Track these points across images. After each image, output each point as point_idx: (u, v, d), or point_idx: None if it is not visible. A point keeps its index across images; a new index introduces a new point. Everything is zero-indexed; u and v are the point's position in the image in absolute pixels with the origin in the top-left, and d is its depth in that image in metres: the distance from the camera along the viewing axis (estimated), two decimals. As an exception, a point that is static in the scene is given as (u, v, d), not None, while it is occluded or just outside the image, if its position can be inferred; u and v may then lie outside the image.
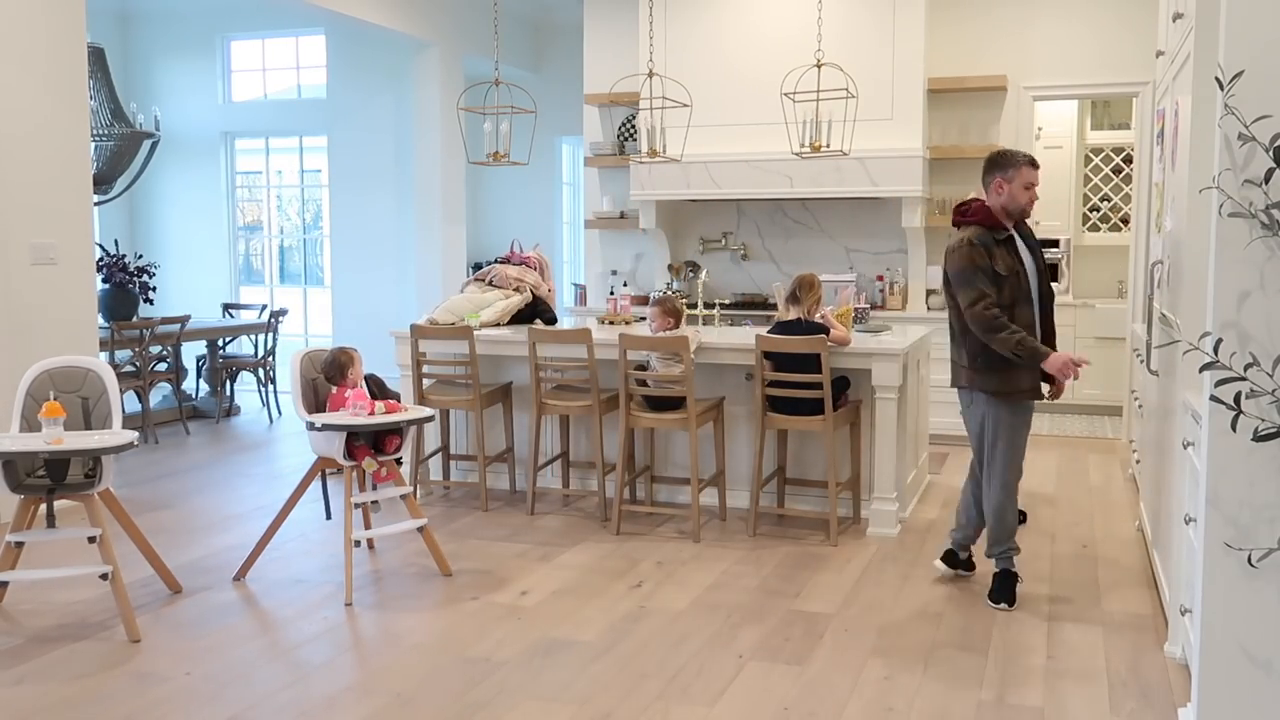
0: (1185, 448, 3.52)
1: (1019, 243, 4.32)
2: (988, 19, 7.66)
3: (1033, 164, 4.35)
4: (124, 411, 4.51)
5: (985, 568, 4.54)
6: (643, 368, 5.43)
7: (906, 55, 7.20)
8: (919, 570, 4.78)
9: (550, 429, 6.20)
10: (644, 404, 5.40)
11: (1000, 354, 4.15)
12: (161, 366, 8.22)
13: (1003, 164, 4.31)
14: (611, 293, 8.20)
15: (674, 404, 5.35)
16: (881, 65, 7.18)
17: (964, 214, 4.35)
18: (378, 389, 4.91)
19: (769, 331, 5.31)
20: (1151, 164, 5.55)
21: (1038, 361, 4.14)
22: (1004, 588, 4.35)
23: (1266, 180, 2.59)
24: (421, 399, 5.87)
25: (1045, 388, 4.39)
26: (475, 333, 5.84)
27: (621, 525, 5.41)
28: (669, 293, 7.51)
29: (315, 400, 4.70)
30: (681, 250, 8.32)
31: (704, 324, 6.88)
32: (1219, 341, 2.66)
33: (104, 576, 3.98)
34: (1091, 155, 9.10)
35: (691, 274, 8.02)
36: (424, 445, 6.09)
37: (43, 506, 4.16)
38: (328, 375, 4.69)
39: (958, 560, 4.69)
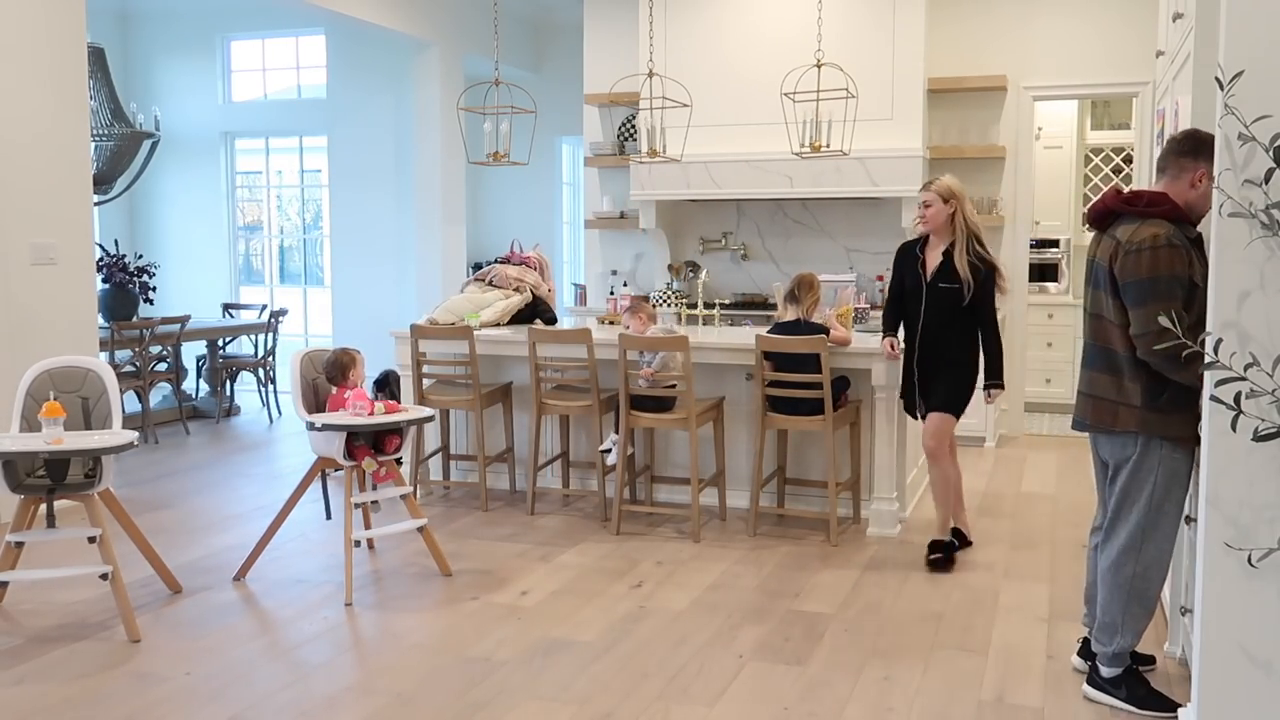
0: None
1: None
2: (988, 19, 7.66)
3: None
4: (124, 411, 4.51)
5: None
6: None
7: (906, 55, 7.19)
8: (919, 570, 4.78)
9: (550, 429, 6.20)
10: (637, 404, 5.40)
11: (1188, 390, 3.15)
12: (161, 366, 8.22)
13: (1209, 150, 3.08)
14: (611, 293, 8.20)
15: (667, 404, 5.35)
16: (881, 65, 7.17)
17: (1141, 202, 3.29)
18: (396, 385, 4.90)
19: (769, 332, 5.31)
20: (1151, 164, 5.54)
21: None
22: (1150, 691, 3.39)
23: (1266, 180, 2.59)
24: (421, 399, 5.87)
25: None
26: (475, 333, 5.84)
27: (621, 525, 5.41)
28: (663, 294, 7.53)
29: (315, 400, 4.70)
30: (681, 250, 8.32)
31: (704, 324, 6.88)
32: (1219, 341, 2.66)
33: (104, 576, 3.98)
34: (1091, 155, 9.10)
35: (691, 274, 8.02)
36: (424, 445, 6.09)
37: (43, 506, 4.16)
38: (329, 376, 4.69)
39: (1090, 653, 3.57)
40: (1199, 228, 3.27)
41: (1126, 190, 3.42)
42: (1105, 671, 3.41)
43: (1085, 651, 3.62)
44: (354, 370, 4.67)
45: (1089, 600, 3.57)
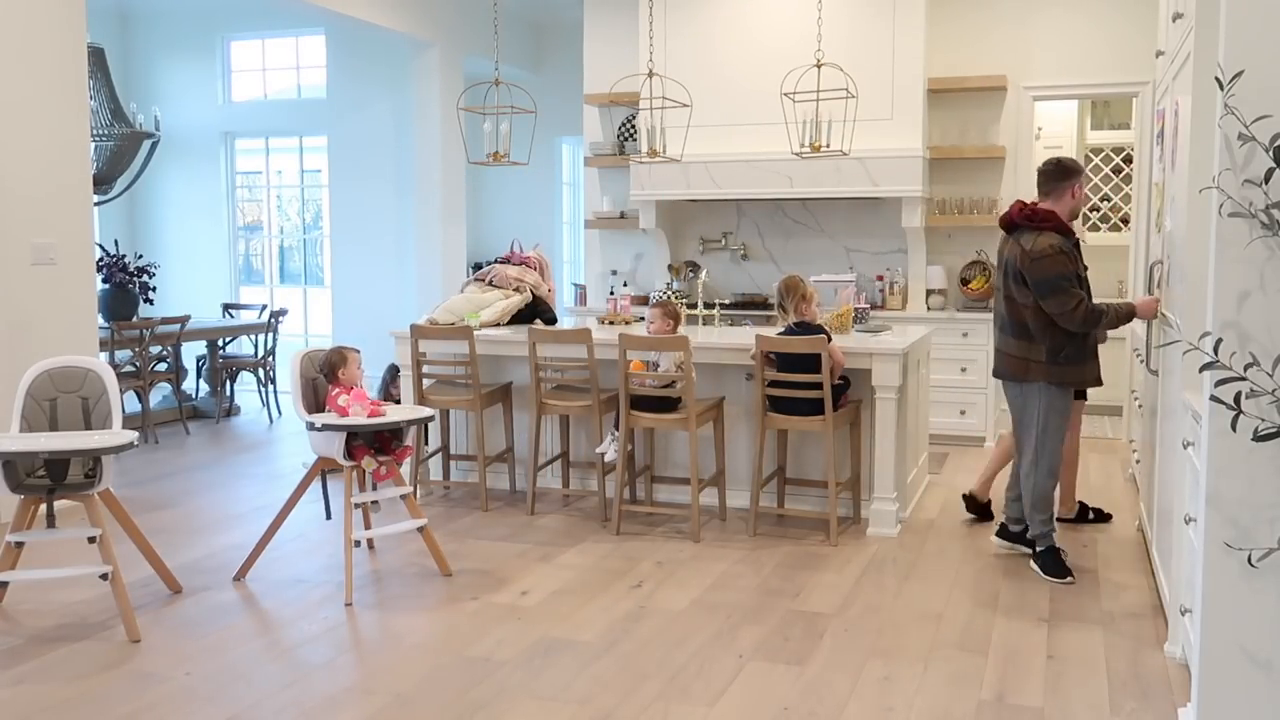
0: (1185, 448, 3.52)
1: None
2: (988, 19, 7.66)
3: None
4: (124, 411, 4.51)
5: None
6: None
7: (906, 55, 7.19)
8: (919, 570, 4.78)
9: (550, 429, 6.20)
10: (637, 404, 5.40)
11: (1078, 348, 4.57)
12: (161, 366, 8.22)
13: (1078, 170, 4.65)
14: (611, 293, 8.19)
15: (667, 405, 5.35)
16: (881, 65, 7.18)
17: (1036, 219, 4.57)
18: (391, 378, 4.90)
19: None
20: (1151, 164, 5.54)
21: (1132, 315, 4.62)
22: (1058, 563, 4.66)
23: (1266, 180, 2.59)
24: (421, 399, 5.87)
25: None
26: (475, 333, 5.84)
27: (621, 525, 5.41)
28: (670, 295, 7.51)
29: (315, 400, 4.69)
30: (681, 250, 8.32)
31: (704, 324, 6.88)
32: (1219, 341, 2.66)
33: (104, 576, 3.98)
34: (1091, 155, 9.10)
35: (691, 274, 8.01)
36: (424, 445, 6.09)
37: (43, 506, 4.16)
38: (323, 375, 4.69)
39: (1012, 535, 4.99)
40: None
41: (1026, 206, 4.65)
42: (1038, 548, 4.73)
43: (1003, 533, 5.04)
44: (344, 370, 4.62)
45: (1011, 500, 4.97)
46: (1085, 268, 4.65)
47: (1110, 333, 4.88)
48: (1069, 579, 4.62)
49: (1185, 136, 4.00)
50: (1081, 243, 4.74)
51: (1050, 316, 4.52)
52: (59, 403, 4.26)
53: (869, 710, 3.37)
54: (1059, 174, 4.62)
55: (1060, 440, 4.71)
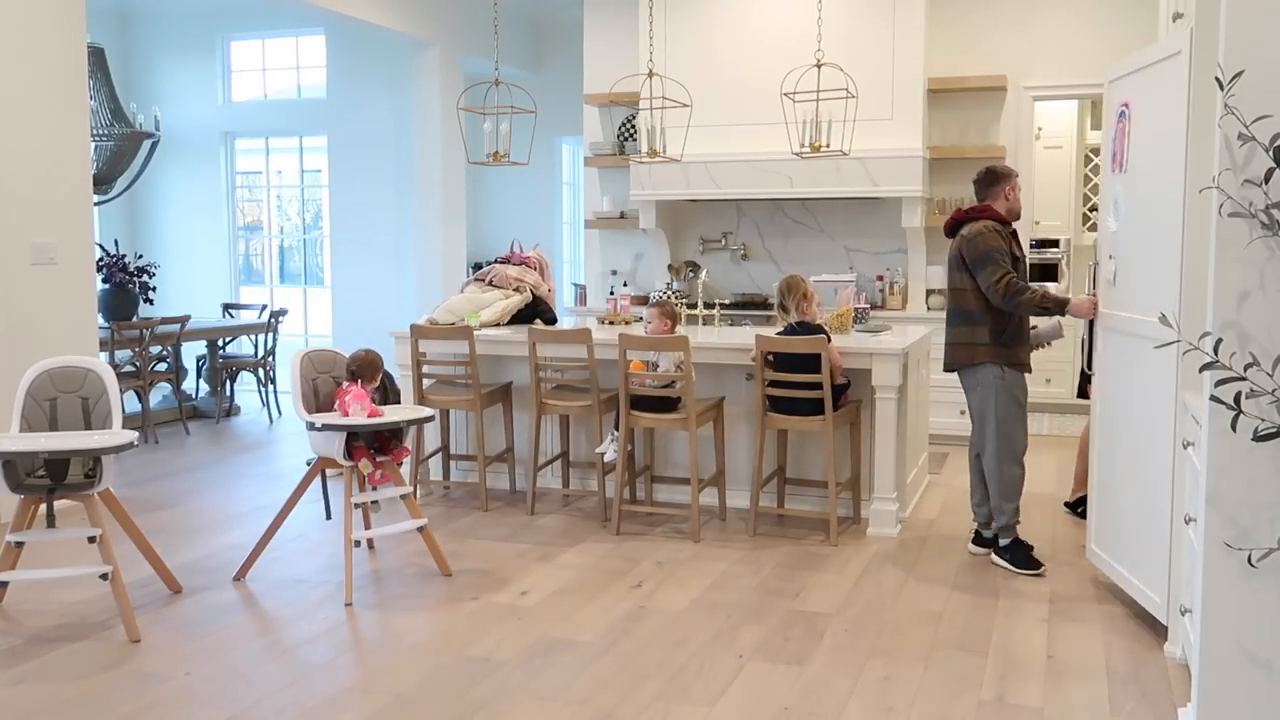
0: (1185, 448, 3.52)
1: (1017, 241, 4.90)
2: (988, 19, 7.66)
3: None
4: (124, 411, 4.51)
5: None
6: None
7: (906, 55, 7.19)
8: (919, 570, 4.78)
9: (550, 429, 6.20)
10: (637, 404, 5.40)
11: (1017, 328, 4.73)
12: (161, 366, 8.22)
13: (1008, 174, 4.90)
14: (611, 293, 8.19)
15: (667, 405, 5.36)
16: (881, 65, 7.17)
17: (975, 213, 4.86)
18: (388, 381, 4.91)
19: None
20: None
21: (1063, 307, 4.68)
22: (1027, 556, 4.73)
23: (1266, 180, 2.59)
24: (421, 399, 5.87)
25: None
26: (475, 333, 5.84)
27: (621, 525, 5.41)
28: (668, 296, 7.51)
29: (315, 400, 4.69)
30: (681, 250, 8.31)
31: (704, 324, 6.88)
32: (1219, 341, 2.66)
33: (104, 576, 3.98)
34: (1091, 155, 9.09)
35: (691, 274, 8.02)
36: (424, 445, 6.09)
37: (43, 506, 4.16)
38: (355, 373, 4.67)
39: (985, 540, 4.98)
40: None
41: (963, 208, 4.93)
42: (1002, 542, 4.79)
43: (978, 540, 4.99)
44: (370, 378, 4.69)
45: (977, 505, 4.96)
46: (1023, 255, 4.88)
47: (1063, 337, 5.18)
48: (1040, 570, 4.67)
49: (1144, 137, 4.02)
50: (1018, 235, 4.94)
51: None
52: (59, 403, 4.26)
53: (869, 710, 3.37)
54: (990, 180, 4.86)
55: (1021, 425, 4.77)
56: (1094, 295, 4.68)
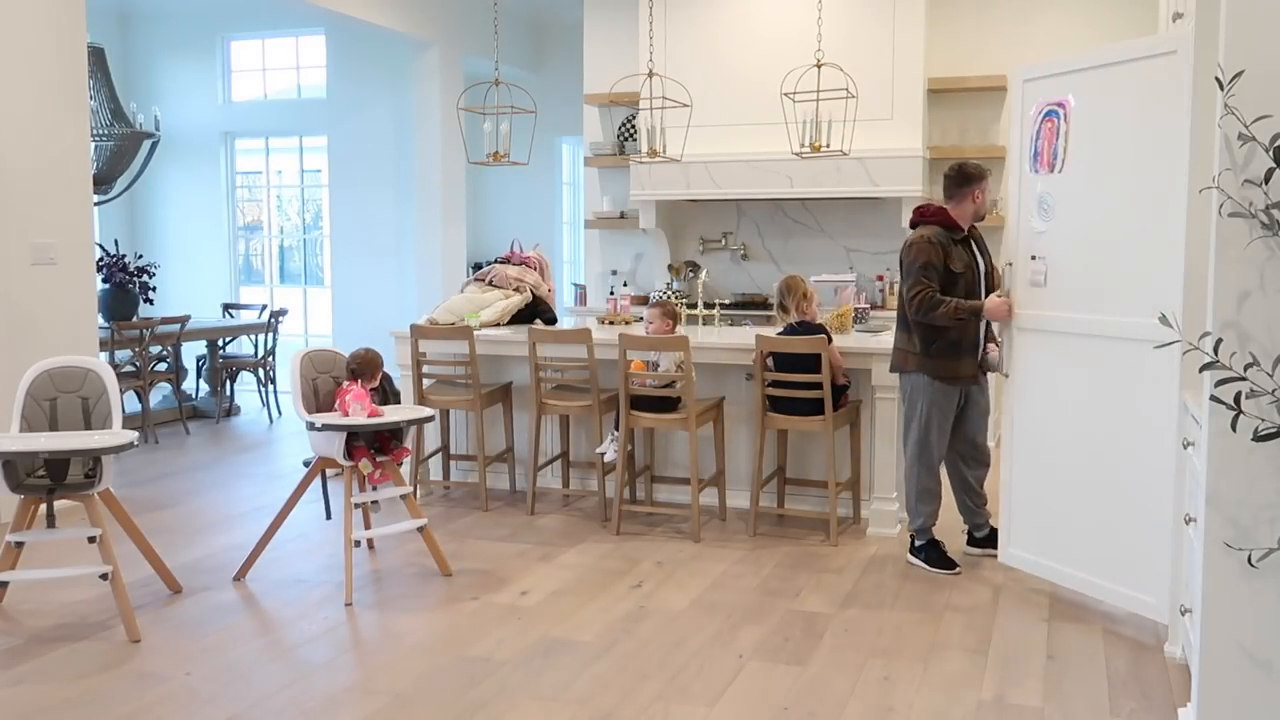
0: (1185, 448, 3.52)
1: (973, 244, 4.83)
2: (988, 18, 7.66)
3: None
4: (124, 411, 4.51)
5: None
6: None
7: (906, 55, 7.19)
8: (919, 570, 4.78)
9: (550, 429, 6.20)
10: (637, 404, 5.40)
11: (950, 342, 4.66)
12: (161, 366, 8.22)
13: (981, 175, 4.75)
14: (611, 293, 8.19)
15: (667, 405, 5.35)
16: (881, 65, 7.17)
17: (923, 215, 4.81)
18: (387, 384, 4.93)
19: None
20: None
21: (978, 313, 4.64)
22: (941, 555, 4.79)
23: (1266, 180, 2.59)
24: (421, 399, 5.87)
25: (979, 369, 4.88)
26: (475, 333, 5.84)
27: (621, 525, 5.41)
28: (668, 296, 7.50)
29: (315, 400, 4.70)
30: (681, 250, 8.31)
31: (704, 324, 6.88)
32: (1219, 341, 2.66)
33: (104, 576, 3.98)
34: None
35: (691, 274, 8.01)
36: (424, 445, 6.09)
37: (43, 506, 4.16)
38: (355, 371, 4.68)
39: (978, 540, 5.00)
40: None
41: (920, 208, 4.84)
42: (917, 542, 4.84)
43: (972, 540, 5.01)
44: (370, 377, 4.69)
45: (959, 507, 4.99)
46: (983, 255, 4.80)
47: None
48: (956, 570, 4.73)
49: (1095, 138, 4.04)
50: (975, 242, 4.83)
51: None
52: (59, 403, 4.26)
53: (869, 710, 3.37)
54: (962, 179, 4.73)
55: (943, 437, 4.77)
56: (1005, 297, 4.49)
